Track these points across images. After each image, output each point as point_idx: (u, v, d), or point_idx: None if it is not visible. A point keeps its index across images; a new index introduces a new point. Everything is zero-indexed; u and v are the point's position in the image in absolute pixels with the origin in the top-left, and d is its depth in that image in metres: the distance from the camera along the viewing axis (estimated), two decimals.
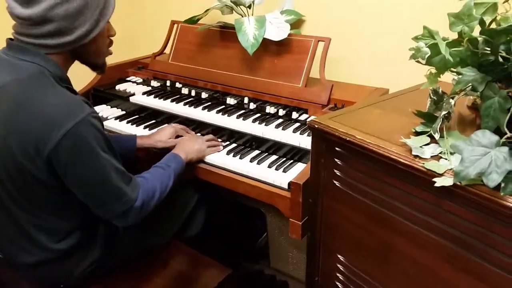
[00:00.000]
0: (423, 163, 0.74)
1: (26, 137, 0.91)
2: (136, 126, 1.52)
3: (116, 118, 1.58)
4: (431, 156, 0.77)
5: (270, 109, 1.44)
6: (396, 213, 0.83)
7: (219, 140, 1.40)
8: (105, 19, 1.04)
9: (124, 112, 1.65)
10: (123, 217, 1.02)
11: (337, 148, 0.92)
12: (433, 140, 0.81)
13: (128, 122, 1.54)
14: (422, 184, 0.76)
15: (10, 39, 1.01)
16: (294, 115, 1.40)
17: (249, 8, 1.64)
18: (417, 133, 0.85)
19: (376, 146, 0.82)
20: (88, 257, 1.11)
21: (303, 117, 1.41)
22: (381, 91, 1.49)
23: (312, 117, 1.39)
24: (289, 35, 1.50)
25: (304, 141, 1.26)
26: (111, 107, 1.69)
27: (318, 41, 1.47)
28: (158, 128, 1.45)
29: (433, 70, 0.84)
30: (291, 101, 1.47)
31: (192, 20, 1.62)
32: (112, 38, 1.14)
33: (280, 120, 1.40)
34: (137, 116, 1.60)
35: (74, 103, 0.95)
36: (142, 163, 1.62)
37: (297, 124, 1.37)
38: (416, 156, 0.77)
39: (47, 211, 1.02)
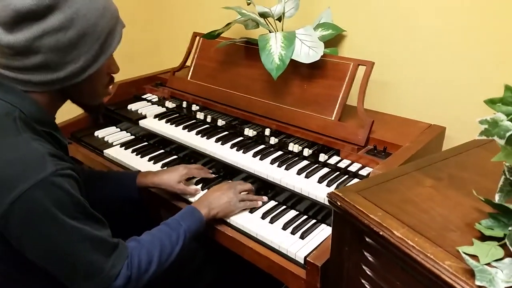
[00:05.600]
0: None
1: None
2: (141, 157, 1.33)
3: (122, 145, 1.40)
4: None
5: (293, 147, 1.19)
6: None
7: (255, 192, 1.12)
8: (107, 54, 0.83)
9: (132, 137, 1.47)
10: None
11: (367, 239, 0.67)
12: (508, 252, 0.54)
13: (133, 151, 1.35)
14: None
15: None
16: (322, 157, 1.14)
17: (279, 21, 1.40)
18: (484, 237, 0.58)
19: (422, 254, 0.56)
20: None
21: (333, 159, 1.15)
22: (436, 130, 1.19)
23: (344, 162, 1.14)
24: (324, 55, 1.25)
25: None
26: (121, 130, 1.52)
27: (358, 65, 1.21)
28: (171, 167, 1.17)
29: None
30: (320, 138, 1.21)
31: (212, 35, 1.40)
32: (114, 74, 0.92)
33: (305, 163, 1.14)
34: (145, 144, 1.41)
35: (33, 158, 0.74)
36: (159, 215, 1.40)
37: (325, 170, 1.11)
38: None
39: None
